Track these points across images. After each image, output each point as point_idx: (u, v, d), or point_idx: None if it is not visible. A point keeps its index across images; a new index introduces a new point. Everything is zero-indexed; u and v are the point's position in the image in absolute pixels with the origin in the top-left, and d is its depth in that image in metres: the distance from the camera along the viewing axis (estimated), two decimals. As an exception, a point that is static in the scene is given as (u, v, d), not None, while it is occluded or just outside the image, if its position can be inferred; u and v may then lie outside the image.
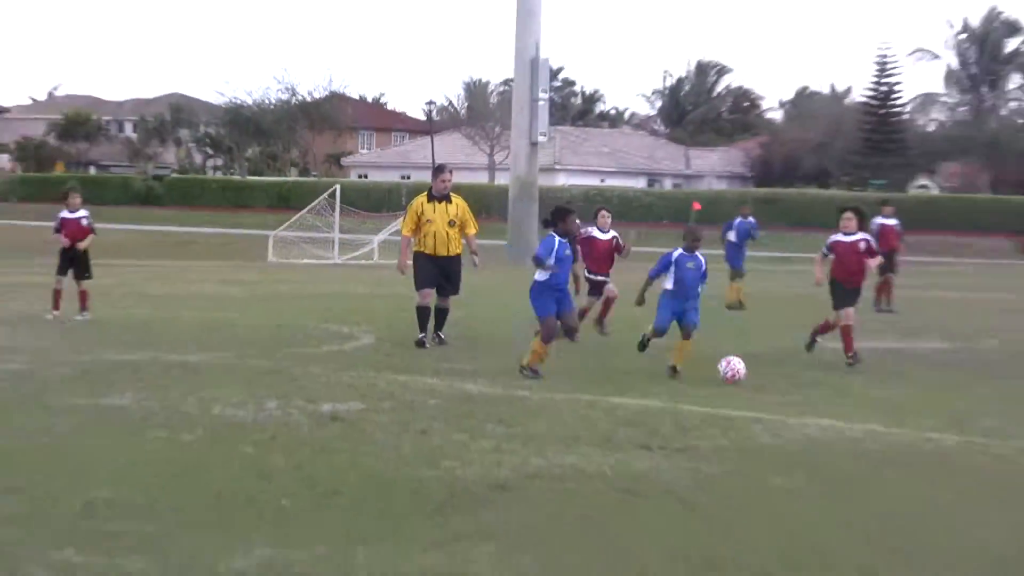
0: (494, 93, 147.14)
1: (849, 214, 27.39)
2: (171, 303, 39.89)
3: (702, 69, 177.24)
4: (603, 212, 32.74)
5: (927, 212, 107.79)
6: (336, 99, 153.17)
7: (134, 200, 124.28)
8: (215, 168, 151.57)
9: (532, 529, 13.69)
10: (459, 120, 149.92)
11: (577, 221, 26.47)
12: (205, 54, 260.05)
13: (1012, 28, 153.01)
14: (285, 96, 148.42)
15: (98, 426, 18.97)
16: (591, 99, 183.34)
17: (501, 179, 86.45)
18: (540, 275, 24.92)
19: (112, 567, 11.95)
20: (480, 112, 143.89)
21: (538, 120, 73.54)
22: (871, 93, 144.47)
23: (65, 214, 34.10)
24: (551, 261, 24.62)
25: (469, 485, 15.71)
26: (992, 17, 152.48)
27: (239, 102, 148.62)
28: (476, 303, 41.62)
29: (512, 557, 12.59)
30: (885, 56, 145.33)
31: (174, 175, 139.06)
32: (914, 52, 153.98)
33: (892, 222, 30.74)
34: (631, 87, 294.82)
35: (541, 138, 74.98)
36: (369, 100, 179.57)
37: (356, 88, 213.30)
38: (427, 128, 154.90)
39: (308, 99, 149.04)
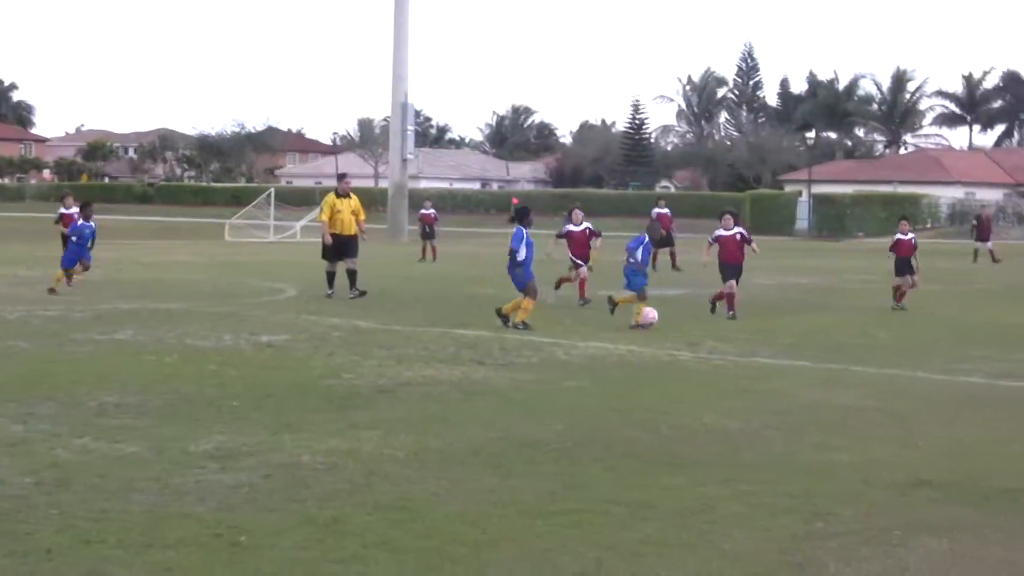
0: (378, 126, 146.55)
1: (727, 216, 26.33)
2: (158, 269, 39.49)
3: (516, 110, 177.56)
4: (576, 210, 29.71)
5: (668, 204, 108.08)
6: (272, 130, 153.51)
7: (135, 200, 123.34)
8: (190, 178, 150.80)
9: (404, 419, 13.61)
10: (354, 144, 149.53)
11: (581, 213, 29.13)
12: (185, 100, 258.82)
13: (720, 81, 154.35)
14: (237, 129, 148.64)
15: (108, 352, 18.78)
16: (443, 130, 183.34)
17: (383, 184, 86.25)
18: (520, 256, 24.00)
19: (115, 450, 11.79)
20: (368, 139, 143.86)
21: (407, 144, 74.17)
22: (628, 124, 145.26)
23: (63, 210, 34.25)
24: (523, 249, 23.91)
25: (361, 390, 15.63)
26: (707, 74, 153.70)
27: (206, 133, 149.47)
28: (364, 269, 41.45)
29: (391, 438, 12.51)
30: (637, 100, 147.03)
31: (162, 183, 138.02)
32: (657, 97, 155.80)
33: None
34: (470, 121, 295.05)
35: (409, 156, 75.71)
36: (294, 131, 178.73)
37: (286, 122, 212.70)
38: (332, 150, 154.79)
39: (253, 131, 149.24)
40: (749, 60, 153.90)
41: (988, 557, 8.83)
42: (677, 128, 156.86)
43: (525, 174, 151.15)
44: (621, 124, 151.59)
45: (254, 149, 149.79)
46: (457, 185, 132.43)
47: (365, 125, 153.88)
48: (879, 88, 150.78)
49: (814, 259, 39.80)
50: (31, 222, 78.36)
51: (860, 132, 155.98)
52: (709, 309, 26.09)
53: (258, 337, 20.92)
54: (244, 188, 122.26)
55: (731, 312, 25.30)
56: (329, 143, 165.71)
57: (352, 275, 29.29)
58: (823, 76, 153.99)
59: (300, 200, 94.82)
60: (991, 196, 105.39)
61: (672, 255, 43.23)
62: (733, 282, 25.55)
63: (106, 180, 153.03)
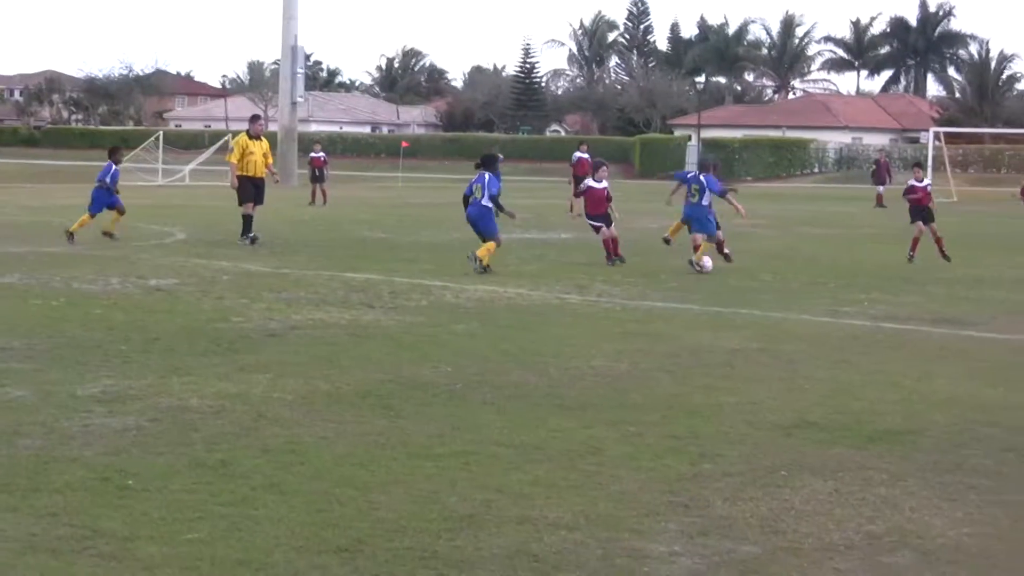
0: (267, 69, 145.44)
1: (604, 168, 26.26)
2: (45, 212, 39.10)
3: (406, 53, 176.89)
4: (603, 167, 26.79)
5: (558, 149, 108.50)
6: (160, 73, 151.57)
7: (21, 144, 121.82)
8: (77, 121, 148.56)
9: (294, 363, 13.57)
10: (244, 87, 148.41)
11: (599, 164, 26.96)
12: (72, 41, 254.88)
13: (611, 25, 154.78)
14: (125, 72, 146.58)
15: (-7, 297, 18.53)
16: (333, 73, 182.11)
17: (272, 127, 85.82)
18: (486, 202, 24.11)
19: (2, 395, 11.64)
20: (258, 82, 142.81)
21: (297, 88, 73.72)
22: (519, 69, 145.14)
23: None
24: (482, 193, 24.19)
25: (250, 333, 15.57)
26: (598, 18, 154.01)
27: (94, 75, 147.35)
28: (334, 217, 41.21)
29: (280, 381, 12.48)
30: (528, 44, 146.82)
31: (49, 126, 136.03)
32: (548, 41, 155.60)
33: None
34: (360, 64, 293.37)
35: (299, 99, 75.29)
36: (183, 74, 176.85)
37: (175, 65, 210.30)
38: (222, 93, 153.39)
39: (141, 73, 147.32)
40: (639, 4, 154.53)
41: (871, 496, 8.97)
42: (568, 72, 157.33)
43: (416, 118, 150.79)
44: (512, 68, 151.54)
45: (142, 92, 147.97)
46: (347, 129, 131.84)
47: (255, 68, 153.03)
48: (768, 33, 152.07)
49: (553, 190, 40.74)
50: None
51: (749, 77, 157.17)
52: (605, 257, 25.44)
53: (146, 281, 20.76)
54: (132, 131, 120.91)
55: (611, 260, 25.11)
56: (218, 86, 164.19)
57: (249, 220, 28.84)
58: (713, 21, 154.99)
59: (189, 143, 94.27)
60: (878, 141, 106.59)
61: (571, 200, 42.70)
62: (611, 229, 25.42)
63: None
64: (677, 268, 23.95)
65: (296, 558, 7.40)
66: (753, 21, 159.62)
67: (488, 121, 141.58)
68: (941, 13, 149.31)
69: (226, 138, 58.37)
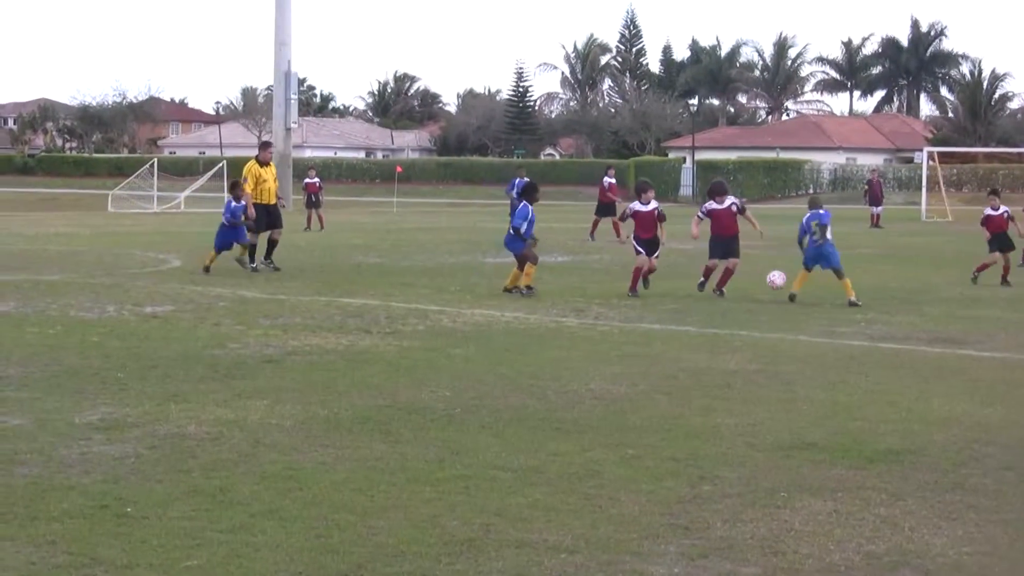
0: (261, 95, 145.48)
1: (651, 190, 24.65)
2: (40, 240, 39.05)
3: (398, 77, 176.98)
4: (650, 189, 24.86)
5: (553, 171, 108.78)
6: (154, 100, 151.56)
7: (15, 172, 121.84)
8: (71, 148, 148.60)
9: (291, 389, 13.57)
10: (238, 114, 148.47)
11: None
12: (65, 68, 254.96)
13: (603, 48, 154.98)
14: (119, 99, 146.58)
15: (-11, 326, 18.53)
16: (327, 98, 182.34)
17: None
18: (527, 233, 23.98)
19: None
20: (252, 108, 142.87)
21: (291, 114, 73.82)
22: (512, 92, 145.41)
23: None
24: (525, 225, 23.83)
25: (247, 359, 15.57)
26: (591, 41, 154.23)
27: (87, 103, 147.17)
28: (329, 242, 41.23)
29: (277, 407, 12.48)
30: (521, 68, 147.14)
31: (43, 154, 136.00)
32: (541, 65, 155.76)
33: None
34: (354, 89, 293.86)
35: (293, 125, 75.33)
36: (177, 100, 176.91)
37: (168, 92, 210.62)
38: (216, 119, 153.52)
39: (135, 100, 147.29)
40: (632, 27, 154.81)
41: (871, 516, 8.96)
42: (561, 95, 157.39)
43: (410, 142, 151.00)
44: (506, 92, 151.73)
45: (136, 119, 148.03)
46: (341, 154, 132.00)
47: (248, 94, 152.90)
48: (761, 55, 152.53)
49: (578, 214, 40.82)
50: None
51: (743, 98, 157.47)
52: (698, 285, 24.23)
53: (142, 308, 20.76)
54: (127, 159, 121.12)
55: (632, 291, 23.64)
56: (212, 112, 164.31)
57: (274, 245, 28.55)
58: (705, 43, 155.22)
59: (183, 170, 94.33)
60: (872, 161, 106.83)
61: (615, 224, 41.67)
62: (643, 256, 23.88)
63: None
64: (673, 290, 23.94)
65: (296, 584, 7.38)
66: (745, 43, 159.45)
67: (482, 145, 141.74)
68: (933, 33, 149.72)
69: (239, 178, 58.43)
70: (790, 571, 7.79)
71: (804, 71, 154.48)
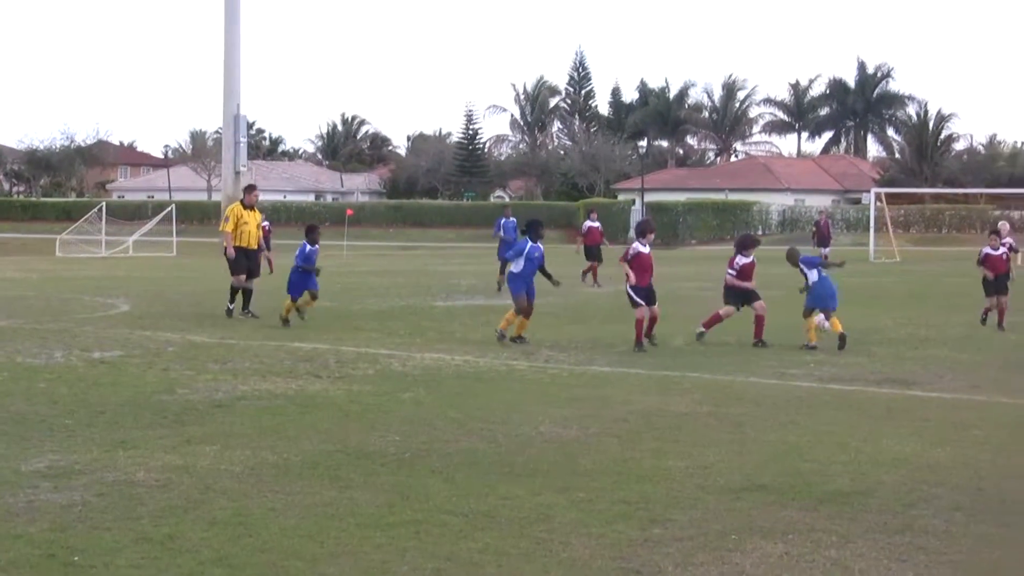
0: (210, 138, 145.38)
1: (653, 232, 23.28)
2: (-14, 286, 38.79)
3: (345, 120, 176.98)
4: (652, 232, 23.33)
5: (502, 214, 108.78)
6: (102, 144, 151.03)
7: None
8: (18, 193, 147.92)
9: (241, 434, 13.52)
10: (187, 157, 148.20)
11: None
12: (11, 112, 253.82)
13: (553, 91, 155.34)
14: (67, 143, 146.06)
15: (-65, 373, 18.38)
16: (276, 141, 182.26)
17: (216, 197, 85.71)
18: (515, 267, 23.38)
19: (-55, 470, 11.55)
20: (200, 151, 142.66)
21: (240, 157, 73.63)
22: (462, 135, 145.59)
23: None
24: (519, 262, 23.25)
25: (196, 405, 15.50)
26: (540, 83, 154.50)
27: (34, 146, 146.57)
28: (196, 282, 41.27)
29: (227, 453, 12.44)
30: (471, 110, 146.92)
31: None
32: (490, 107, 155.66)
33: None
34: (302, 132, 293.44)
35: (242, 169, 74.93)
36: (125, 144, 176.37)
37: (117, 135, 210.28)
38: (164, 163, 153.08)
39: (83, 144, 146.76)
40: (581, 69, 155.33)
41: (821, 559, 8.99)
42: (511, 137, 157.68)
43: (359, 185, 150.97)
44: (455, 134, 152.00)
45: (84, 163, 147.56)
46: (291, 197, 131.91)
47: (197, 137, 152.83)
48: (710, 96, 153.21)
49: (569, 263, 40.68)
50: None
51: (692, 140, 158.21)
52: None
53: (90, 353, 20.64)
54: (75, 203, 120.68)
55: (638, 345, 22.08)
56: (161, 156, 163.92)
57: (249, 295, 27.88)
58: (654, 84, 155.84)
59: (132, 214, 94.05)
60: (820, 202, 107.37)
61: (594, 269, 41.31)
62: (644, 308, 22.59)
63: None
64: (623, 332, 23.96)
65: (246, 632, 7.35)
66: (693, 84, 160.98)
67: (432, 188, 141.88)
68: (879, 74, 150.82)
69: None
70: (741, 614, 7.80)
71: (752, 112, 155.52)
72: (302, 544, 9.20)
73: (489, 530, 9.64)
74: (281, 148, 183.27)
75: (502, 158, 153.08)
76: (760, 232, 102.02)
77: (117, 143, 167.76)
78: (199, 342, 22.53)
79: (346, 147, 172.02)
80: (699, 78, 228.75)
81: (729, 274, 23.80)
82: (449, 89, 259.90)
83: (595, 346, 22.42)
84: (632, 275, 22.09)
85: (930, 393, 17.24)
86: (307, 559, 8.82)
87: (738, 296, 23.60)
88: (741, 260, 23.67)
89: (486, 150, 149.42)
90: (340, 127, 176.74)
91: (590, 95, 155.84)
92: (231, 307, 27.52)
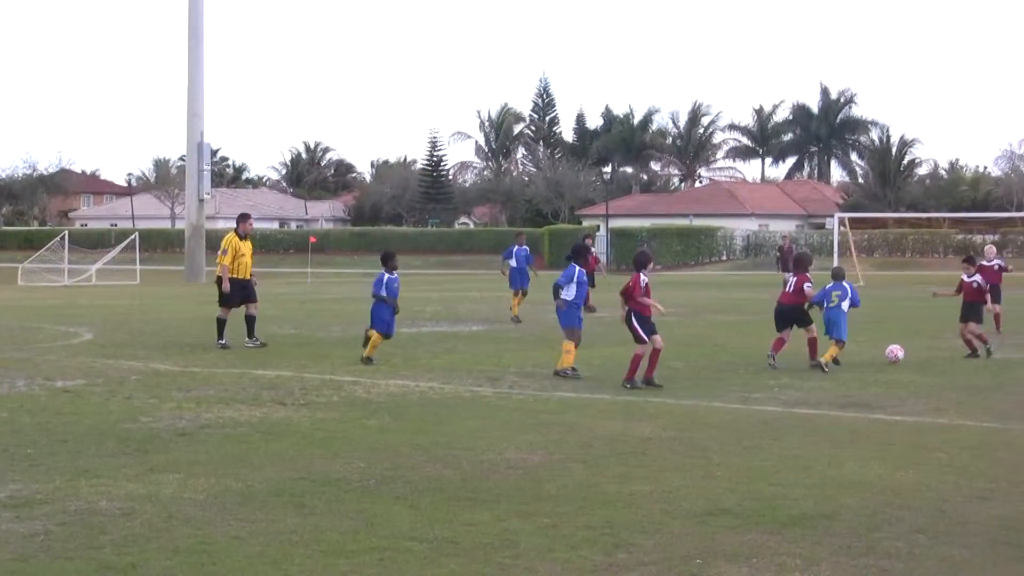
0: (174, 166, 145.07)
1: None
2: (-52, 316, 38.61)
3: (308, 147, 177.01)
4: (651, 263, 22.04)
5: (467, 240, 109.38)
6: (65, 172, 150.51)
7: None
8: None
9: (204, 462, 13.49)
10: (151, 185, 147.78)
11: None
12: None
13: (517, 117, 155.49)
14: (29, 171, 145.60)
15: None
16: (240, 169, 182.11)
17: (179, 224, 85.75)
18: (567, 294, 22.34)
19: (-94, 501, 11.49)
20: (164, 179, 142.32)
21: (203, 184, 73.71)
22: (426, 162, 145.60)
23: None
24: (571, 288, 22.27)
25: (159, 433, 15.46)
26: (504, 110, 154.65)
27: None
28: (159, 311, 41.19)
29: (190, 481, 12.40)
30: (435, 137, 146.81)
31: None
32: (454, 134, 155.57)
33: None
34: (266, 159, 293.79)
35: (206, 196, 75.15)
36: (88, 172, 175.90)
37: (80, 163, 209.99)
38: (128, 191, 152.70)
39: (45, 172, 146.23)
40: (545, 95, 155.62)
41: (786, 582, 9.02)
42: (475, 164, 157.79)
43: (324, 212, 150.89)
44: (420, 161, 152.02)
45: (47, 191, 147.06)
46: (256, 225, 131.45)
47: (161, 165, 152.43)
48: (674, 122, 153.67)
49: (611, 292, 40.01)
50: None
51: (656, 166, 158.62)
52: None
53: (53, 382, 20.56)
54: (37, 231, 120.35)
55: (629, 382, 20.71)
56: (124, 184, 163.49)
57: (252, 321, 27.40)
58: (618, 111, 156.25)
59: (95, 242, 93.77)
60: (784, 227, 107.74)
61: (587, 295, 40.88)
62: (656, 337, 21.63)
63: None
64: (588, 358, 23.98)
65: (209, 660, 7.33)
66: (657, 111, 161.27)
67: (397, 214, 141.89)
68: (843, 100, 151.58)
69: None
70: (706, 638, 7.81)
71: (717, 138, 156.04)
72: (266, 571, 9.19)
73: (454, 556, 9.64)
74: (245, 175, 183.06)
75: (467, 184, 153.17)
76: (725, 257, 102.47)
77: (80, 171, 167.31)
78: (163, 370, 22.47)
79: (310, 174, 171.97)
80: (663, 104, 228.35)
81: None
82: (413, 116, 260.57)
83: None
84: (658, 305, 21.29)
85: (893, 416, 17.31)
86: (271, 587, 8.80)
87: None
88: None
89: (451, 177, 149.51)
90: (304, 154, 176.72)
91: (554, 121, 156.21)
92: (223, 341, 26.93)
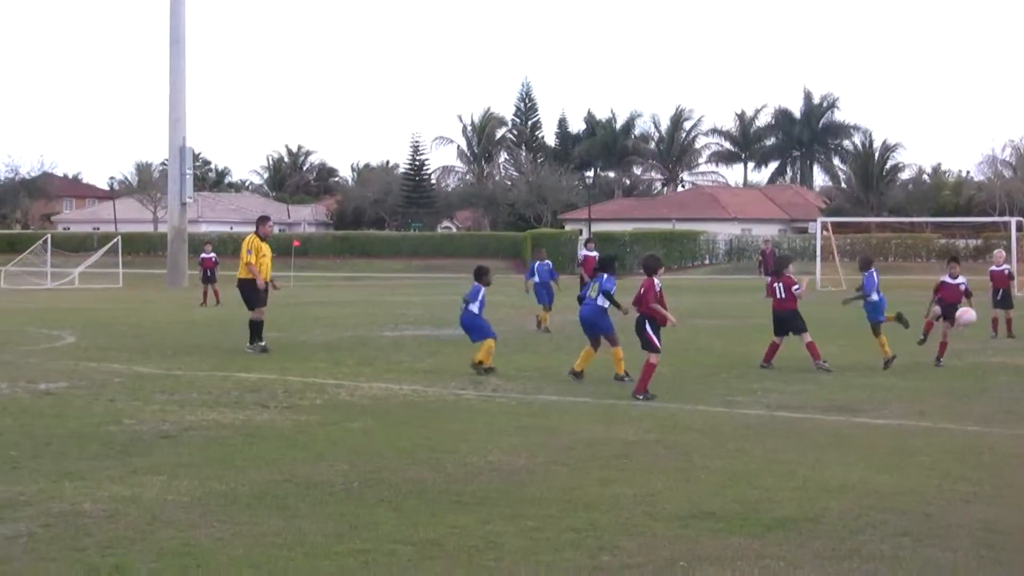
0: (156, 170, 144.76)
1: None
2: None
3: (291, 151, 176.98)
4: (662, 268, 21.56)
5: (450, 245, 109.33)
6: (47, 176, 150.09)
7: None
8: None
9: (188, 464, 13.47)
10: (133, 189, 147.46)
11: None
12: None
13: (500, 122, 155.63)
14: (11, 175, 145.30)
15: None
16: (222, 173, 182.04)
17: (162, 228, 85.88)
18: (601, 301, 21.76)
19: None
20: (146, 183, 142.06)
21: (186, 189, 73.64)
22: (409, 166, 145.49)
23: None
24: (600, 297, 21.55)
25: (143, 435, 15.44)
26: (487, 114, 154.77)
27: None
28: (142, 315, 41.17)
29: (174, 483, 12.39)
30: (417, 141, 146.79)
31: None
32: (437, 138, 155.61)
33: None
34: (249, 163, 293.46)
35: (188, 200, 75.07)
36: (70, 176, 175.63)
37: (62, 167, 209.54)
38: (110, 195, 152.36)
39: (27, 176, 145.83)
40: (527, 100, 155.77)
41: (769, 584, 9.03)
42: (458, 168, 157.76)
43: (306, 216, 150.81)
44: (402, 165, 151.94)
45: (29, 195, 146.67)
46: (238, 229, 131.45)
47: (143, 169, 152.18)
48: (657, 126, 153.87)
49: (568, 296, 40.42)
50: None
51: (638, 170, 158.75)
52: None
53: (36, 385, 20.52)
54: (19, 235, 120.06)
55: (629, 382, 20.76)
56: (106, 188, 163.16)
57: (259, 326, 27.04)
58: (601, 115, 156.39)
59: (77, 246, 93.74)
60: (767, 232, 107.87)
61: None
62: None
63: None
64: (571, 362, 23.98)
65: (194, 662, 7.32)
66: (640, 115, 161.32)
67: (379, 218, 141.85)
68: (825, 104, 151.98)
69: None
70: (690, 640, 7.82)
71: (699, 143, 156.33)
72: (250, 574, 9.18)
73: (438, 559, 9.64)
74: (227, 179, 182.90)
75: (449, 189, 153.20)
76: (707, 261, 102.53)
77: (62, 175, 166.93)
78: (146, 373, 22.44)
79: (292, 178, 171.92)
80: (646, 109, 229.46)
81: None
82: (396, 120, 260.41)
83: (543, 375, 22.47)
84: (671, 316, 20.42)
85: (876, 420, 17.35)
86: (255, 589, 8.79)
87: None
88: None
89: (433, 181, 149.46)
90: (287, 158, 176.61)
91: (537, 126, 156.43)
92: (263, 343, 26.62)
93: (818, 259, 71.59)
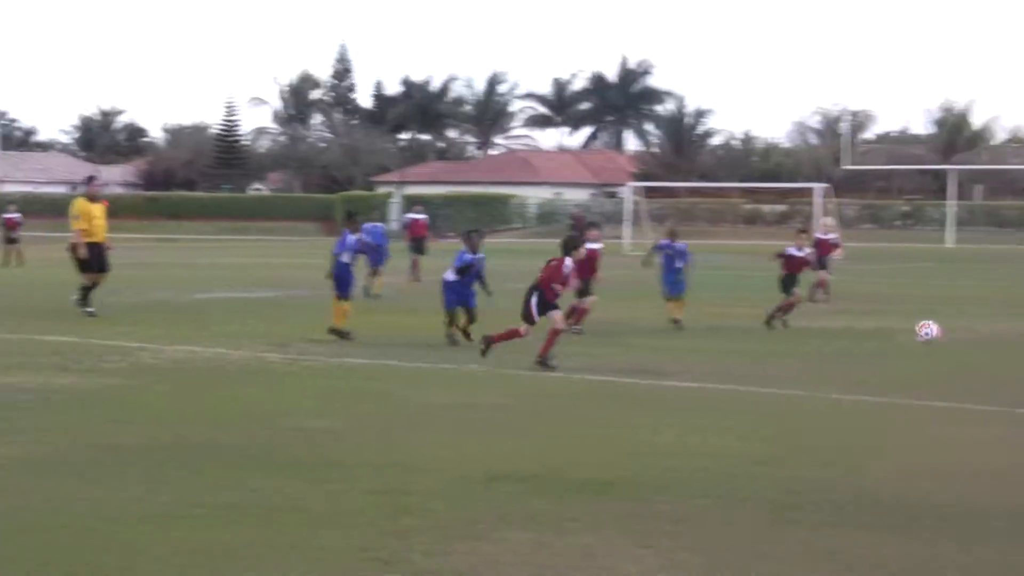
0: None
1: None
2: None
3: (103, 112, 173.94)
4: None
5: (261, 207, 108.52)
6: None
7: None
8: None
9: (-18, 428, 13.17)
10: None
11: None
12: None
13: (315, 83, 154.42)
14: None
15: None
16: (29, 132, 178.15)
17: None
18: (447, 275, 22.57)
19: None
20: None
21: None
22: (222, 127, 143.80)
23: None
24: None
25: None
26: (302, 76, 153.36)
27: None
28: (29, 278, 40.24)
29: (-33, 448, 12.10)
30: (231, 102, 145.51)
31: None
32: (251, 99, 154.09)
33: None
34: (57, 123, 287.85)
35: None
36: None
37: None
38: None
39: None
40: (343, 61, 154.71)
41: (570, 547, 9.06)
42: (271, 130, 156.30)
43: (115, 177, 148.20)
44: (214, 126, 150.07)
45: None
46: (44, 189, 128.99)
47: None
48: (472, 89, 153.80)
49: (404, 259, 39.96)
50: None
51: (453, 134, 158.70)
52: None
53: None
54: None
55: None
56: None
57: (92, 289, 26.25)
58: (418, 78, 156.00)
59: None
60: (578, 196, 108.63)
61: (416, 263, 40.42)
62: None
63: None
64: (378, 324, 23.91)
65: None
66: (456, 78, 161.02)
67: (190, 180, 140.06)
68: (640, 70, 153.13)
69: None
70: (489, 602, 7.83)
71: (514, 106, 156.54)
72: (44, 540, 8.98)
73: (238, 523, 9.53)
74: (34, 139, 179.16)
75: (262, 150, 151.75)
76: (520, 225, 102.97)
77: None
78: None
79: (103, 139, 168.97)
80: (466, 73, 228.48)
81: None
82: (211, 82, 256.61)
83: (349, 339, 22.33)
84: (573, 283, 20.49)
85: (682, 383, 17.54)
86: (47, 554, 8.61)
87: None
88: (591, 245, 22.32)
89: (246, 142, 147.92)
90: (97, 118, 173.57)
91: (352, 88, 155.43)
92: (91, 309, 25.75)
93: (626, 223, 72.26)
